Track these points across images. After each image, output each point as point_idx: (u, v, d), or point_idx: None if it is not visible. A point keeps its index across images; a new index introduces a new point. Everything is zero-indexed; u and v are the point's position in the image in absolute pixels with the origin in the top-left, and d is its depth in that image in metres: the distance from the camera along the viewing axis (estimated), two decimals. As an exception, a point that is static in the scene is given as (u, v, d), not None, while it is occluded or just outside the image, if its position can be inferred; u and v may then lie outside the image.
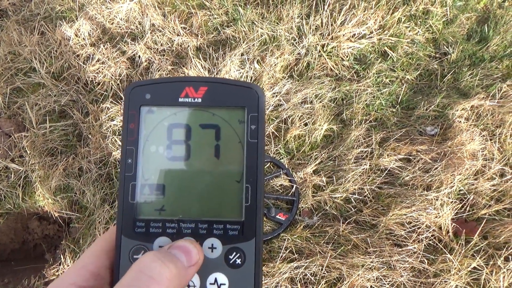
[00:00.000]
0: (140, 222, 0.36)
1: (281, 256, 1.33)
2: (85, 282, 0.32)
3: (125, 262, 0.35)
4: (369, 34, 1.83)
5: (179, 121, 0.38)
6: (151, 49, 1.83)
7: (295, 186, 1.48)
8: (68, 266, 1.45)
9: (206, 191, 0.37)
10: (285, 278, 1.29)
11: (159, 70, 1.75)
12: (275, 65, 1.73)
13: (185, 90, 0.38)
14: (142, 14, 1.92)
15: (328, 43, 1.79)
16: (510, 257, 1.28)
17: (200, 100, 0.38)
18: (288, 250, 1.35)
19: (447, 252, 1.31)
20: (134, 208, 0.37)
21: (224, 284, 0.35)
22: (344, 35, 1.79)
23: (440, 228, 1.37)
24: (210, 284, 0.35)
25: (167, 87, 0.38)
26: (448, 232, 1.36)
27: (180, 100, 0.38)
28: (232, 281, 0.35)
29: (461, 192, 1.44)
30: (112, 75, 1.77)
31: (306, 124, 1.61)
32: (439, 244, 1.35)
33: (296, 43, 1.81)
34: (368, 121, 1.64)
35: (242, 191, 0.37)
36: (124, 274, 0.34)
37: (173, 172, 0.38)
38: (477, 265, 1.27)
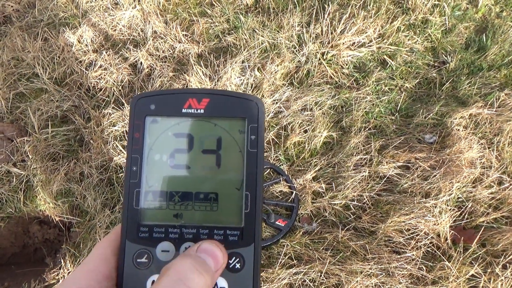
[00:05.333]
0: (144, 227, 0.38)
1: (280, 262, 1.34)
2: (98, 284, 0.33)
3: (129, 265, 0.36)
4: (368, 43, 1.85)
5: (182, 131, 0.39)
6: (152, 55, 1.85)
7: (294, 192, 1.49)
8: (68, 270, 1.46)
9: (207, 198, 0.39)
10: (284, 284, 1.29)
11: (160, 77, 1.77)
12: (276, 72, 1.75)
13: (188, 101, 0.39)
14: (144, 21, 1.94)
15: (328, 51, 1.81)
16: (508, 264, 1.29)
17: (202, 111, 0.39)
18: (287, 256, 1.36)
19: (445, 260, 1.32)
20: (138, 213, 0.38)
21: None
22: (343, 43, 1.82)
23: (439, 235, 1.38)
24: None
25: (171, 98, 0.40)
26: (446, 239, 1.37)
27: (184, 111, 0.39)
28: (231, 285, 0.36)
29: (460, 199, 1.45)
30: (114, 81, 1.79)
31: (306, 131, 1.63)
32: (437, 252, 1.36)
33: (296, 51, 1.83)
34: (367, 129, 1.66)
35: (242, 198, 0.38)
36: (127, 278, 0.36)
37: (176, 179, 0.39)
38: (475, 272, 1.28)
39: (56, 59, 1.88)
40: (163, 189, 0.39)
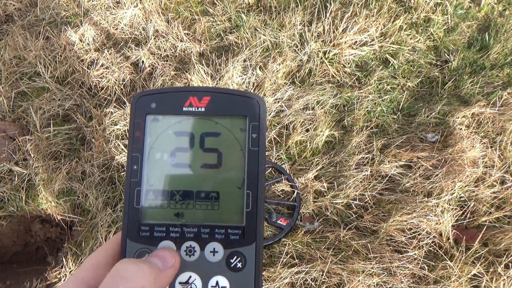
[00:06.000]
0: (145, 226, 0.37)
1: (282, 261, 1.34)
2: None
3: None
4: (370, 42, 1.84)
5: (183, 129, 0.39)
6: (154, 54, 1.85)
7: (296, 191, 1.48)
8: (70, 269, 1.46)
9: (208, 197, 0.38)
10: (286, 283, 1.29)
11: (162, 76, 1.77)
12: (277, 71, 1.75)
13: (189, 99, 0.39)
14: (146, 20, 1.94)
15: (330, 50, 1.81)
16: (510, 264, 1.28)
17: (203, 109, 0.39)
18: (289, 255, 1.36)
19: (447, 259, 1.32)
20: (139, 212, 0.38)
21: (225, 287, 0.36)
22: (345, 42, 1.81)
23: (441, 234, 1.38)
24: (212, 287, 0.36)
25: (172, 96, 0.39)
26: (448, 238, 1.37)
27: (184, 109, 0.39)
28: (233, 284, 0.36)
29: (462, 199, 1.44)
30: (116, 80, 1.79)
31: (307, 130, 1.63)
32: (439, 251, 1.35)
33: (298, 49, 1.82)
34: (369, 128, 1.65)
35: (243, 197, 0.38)
36: None
37: (177, 178, 0.39)
38: (477, 272, 1.27)
39: (58, 58, 1.88)
40: (164, 188, 0.39)
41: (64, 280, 1.44)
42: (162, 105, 0.39)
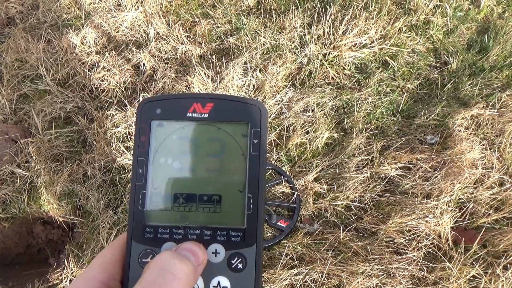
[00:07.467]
0: (149, 228, 0.38)
1: (282, 263, 1.35)
2: None
3: (135, 265, 0.37)
4: (370, 44, 1.86)
5: (187, 135, 0.40)
6: (155, 57, 1.86)
7: (296, 193, 1.49)
8: (71, 270, 1.47)
9: (211, 200, 0.39)
10: (286, 284, 1.30)
11: (163, 78, 1.78)
12: (277, 73, 1.76)
13: (193, 106, 0.40)
14: (147, 23, 1.95)
15: (329, 52, 1.82)
16: (509, 265, 1.29)
17: (207, 115, 0.40)
18: (288, 257, 1.37)
19: (446, 260, 1.32)
20: (144, 215, 0.39)
21: (226, 287, 0.37)
22: (345, 44, 1.82)
23: (440, 236, 1.39)
24: (213, 286, 0.37)
25: (176, 102, 0.41)
26: (447, 240, 1.38)
27: (188, 115, 0.40)
28: (233, 284, 0.37)
29: (461, 200, 1.45)
30: (117, 82, 1.80)
31: (307, 132, 1.64)
32: (438, 252, 1.36)
33: (298, 52, 1.84)
34: (369, 130, 1.66)
35: (245, 200, 0.39)
36: (133, 277, 0.36)
37: (181, 181, 0.40)
38: (476, 273, 1.28)
39: (60, 60, 1.89)
40: (168, 191, 0.40)
41: (67, 281, 1.45)
42: (167, 111, 0.40)
